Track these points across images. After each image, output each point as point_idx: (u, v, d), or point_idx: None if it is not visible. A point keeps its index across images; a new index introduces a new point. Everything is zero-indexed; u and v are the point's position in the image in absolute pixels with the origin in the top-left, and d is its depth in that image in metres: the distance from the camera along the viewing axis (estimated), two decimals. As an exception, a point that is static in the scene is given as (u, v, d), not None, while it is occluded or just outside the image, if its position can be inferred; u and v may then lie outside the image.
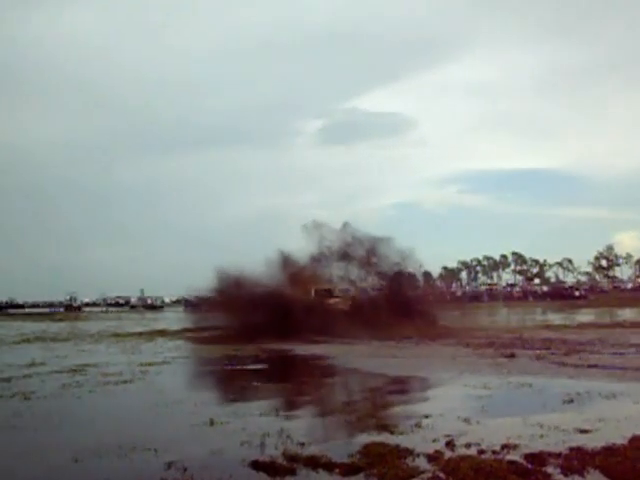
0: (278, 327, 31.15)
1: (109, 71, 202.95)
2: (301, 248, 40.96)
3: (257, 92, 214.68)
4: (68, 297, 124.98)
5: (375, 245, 42.48)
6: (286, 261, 40.10)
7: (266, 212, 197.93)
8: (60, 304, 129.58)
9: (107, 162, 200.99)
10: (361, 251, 42.75)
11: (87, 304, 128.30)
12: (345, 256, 42.42)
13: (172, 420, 12.64)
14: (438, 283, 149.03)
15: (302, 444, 10.01)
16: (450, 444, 9.78)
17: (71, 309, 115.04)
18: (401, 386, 16.30)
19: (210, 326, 36.90)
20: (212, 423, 11.86)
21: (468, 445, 9.69)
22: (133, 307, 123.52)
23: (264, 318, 32.70)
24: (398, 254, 42.85)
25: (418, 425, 11.28)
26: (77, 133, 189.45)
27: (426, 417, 11.89)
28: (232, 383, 18.01)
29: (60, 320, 70.24)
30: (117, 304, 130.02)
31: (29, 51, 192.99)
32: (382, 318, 34.88)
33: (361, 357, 23.50)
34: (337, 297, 40.33)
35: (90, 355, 26.10)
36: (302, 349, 27.19)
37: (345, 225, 42.40)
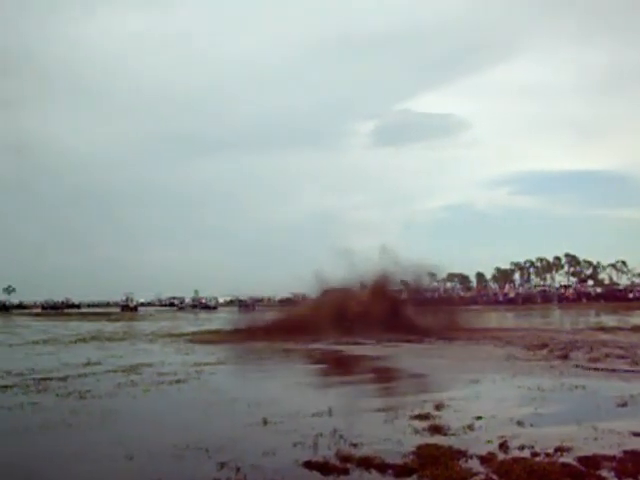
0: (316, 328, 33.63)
1: (174, 72, 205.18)
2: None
3: (310, 94, 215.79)
4: (124, 297, 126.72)
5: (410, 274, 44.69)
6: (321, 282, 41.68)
7: (318, 213, 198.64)
8: (116, 304, 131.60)
9: (166, 164, 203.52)
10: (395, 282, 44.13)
11: (142, 304, 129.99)
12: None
13: (226, 419, 12.72)
14: (491, 284, 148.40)
15: (355, 445, 10.01)
16: (503, 446, 9.70)
17: (127, 309, 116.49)
18: (453, 387, 16.17)
19: (260, 326, 37.77)
20: (265, 423, 11.91)
21: (521, 447, 9.60)
22: (187, 307, 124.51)
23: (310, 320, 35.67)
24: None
25: (471, 427, 11.21)
26: (133, 136, 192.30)
27: (479, 419, 11.80)
28: (285, 382, 18.04)
29: (116, 320, 71.09)
30: (171, 304, 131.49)
31: (94, 53, 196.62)
32: (403, 321, 37.16)
33: (407, 358, 23.41)
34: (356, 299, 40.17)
35: (145, 355, 26.37)
36: (347, 349, 27.19)
37: (382, 251, 42.41)
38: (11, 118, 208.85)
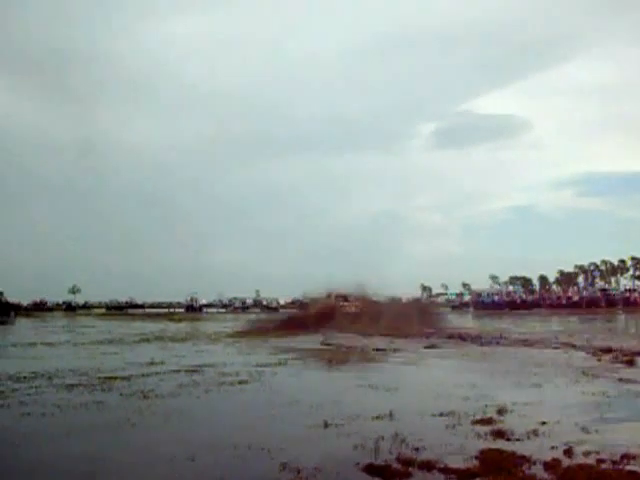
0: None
1: (239, 73, 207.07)
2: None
3: (371, 96, 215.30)
4: (189, 298, 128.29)
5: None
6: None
7: (380, 216, 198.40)
8: (178, 304, 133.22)
9: (231, 166, 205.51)
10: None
11: (205, 305, 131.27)
12: None
13: (287, 421, 12.75)
14: (554, 288, 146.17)
15: (417, 449, 9.95)
16: (568, 452, 9.54)
17: (192, 310, 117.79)
18: (515, 392, 15.94)
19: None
20: (326, 425, 11.92)
21: (587, 453, 9.44)
22: (249, 308, 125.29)
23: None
24: None
25: (535, 432, 11.05)
26: (198, 137, 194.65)
27: (543, 424, 11.63)
28: (347, 384, 18.01)
29: (178, 320, 71.99)
30: (228, 306, 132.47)
31: (150, 58, 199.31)
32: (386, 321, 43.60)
33: (463, 362, 23.23)
34: (350, 302, 52.68)
35: (207, 355, 26.64)
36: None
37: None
38: (76, 118, 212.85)
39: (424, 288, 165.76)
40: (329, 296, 53.86)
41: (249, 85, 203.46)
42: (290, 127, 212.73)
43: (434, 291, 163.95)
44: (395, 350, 28.36)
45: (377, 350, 28.61)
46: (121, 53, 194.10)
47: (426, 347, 29.59)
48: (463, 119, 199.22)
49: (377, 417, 12.61)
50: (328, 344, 32.78)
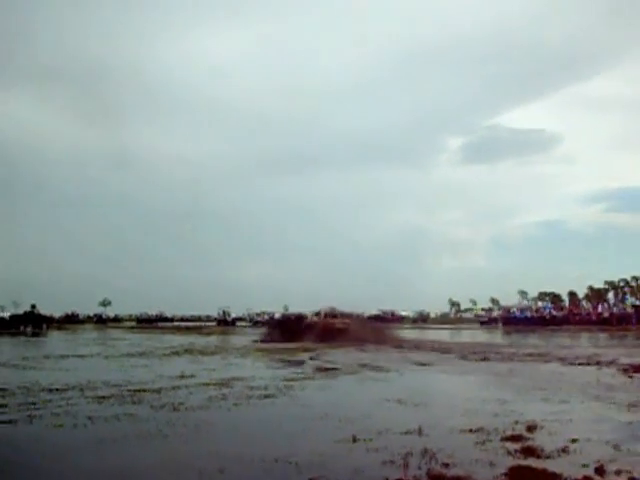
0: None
1: (258, 92, 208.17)
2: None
3: (399, 111, 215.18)
4: (221, 311, 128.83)
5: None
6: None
7: (408, 231, 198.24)
8: (207, 318, 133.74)
9: (256, 182, 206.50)
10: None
11: (237, 319, 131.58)
12: None
13: (315, 435, 12.79)
14: (584, 303, 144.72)
15: (446, 465, 9.93)
16: (599, 470, 9.47)
17: (224, 323, 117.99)
18: (545, 409, 15.82)
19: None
20: (355, 440, 11.90)
21: (618, 472, 9.36)
22: None
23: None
24: None
25: (565, 449, 10.97)
26: (228, 153, 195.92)
27: (573, 441, 11.55)
28: (375, 398, 17.96)
29: (208, 334, 72.26)
30: (261, 319, 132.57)
31: (180, 72, 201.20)
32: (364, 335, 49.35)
33: (491, 379, 23.09)
34: (338, 318, 56.60)
35: (236, 369, 26.73)
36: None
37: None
38: (104, 132, 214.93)
39: (452, 303, 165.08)
40: (318, 314, 60.13)
41: (276, 101, 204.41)
42: (318, 143, 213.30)
43: (462, 306, 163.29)
44: (428, 364, 28.29)
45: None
46: (147, 68, 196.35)
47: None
48: (492, 133, 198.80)
49: (406, 432, 12.60)
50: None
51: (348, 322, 55.09)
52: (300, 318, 61.53)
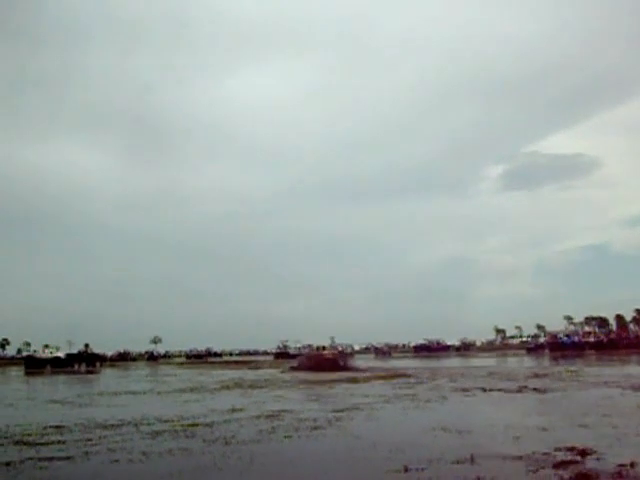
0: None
1: (298, 130, 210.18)
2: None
3: (439, 140, 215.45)
4: (281, 344, 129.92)
5: None
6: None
7: (451, 260, 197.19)
8: (255, 352, 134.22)
9: (301, 214, 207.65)
10: None
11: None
12: None
13: (366, 465, 12.85)
14: (631, 327, 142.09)
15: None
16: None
17: (285, 356, 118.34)
18: (592, 434, 15.69)
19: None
20: (407, 469, 11.97)
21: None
22: None
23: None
24: None
25: (620, 474, 10.94)
26: (272, 186, 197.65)
27: (624, 466, 11.48)
28: (424, 426, 17.92)
29: (256, 368, 72.47)
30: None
31: (238, 108, 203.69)
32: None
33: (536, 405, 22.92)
34: (327, 351, 75.85)
35: (285, 401, 26.87)
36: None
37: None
38: (155, 172, 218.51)
39: (498, 331, 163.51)
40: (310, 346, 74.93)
41: (326, 134, 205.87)
42: (361, 173, 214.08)
43: (508, 333, 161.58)
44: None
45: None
46: (198, 111, 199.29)
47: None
48: (531, 159, 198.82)
49: (457, 461, 12.63)
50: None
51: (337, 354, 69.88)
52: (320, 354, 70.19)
